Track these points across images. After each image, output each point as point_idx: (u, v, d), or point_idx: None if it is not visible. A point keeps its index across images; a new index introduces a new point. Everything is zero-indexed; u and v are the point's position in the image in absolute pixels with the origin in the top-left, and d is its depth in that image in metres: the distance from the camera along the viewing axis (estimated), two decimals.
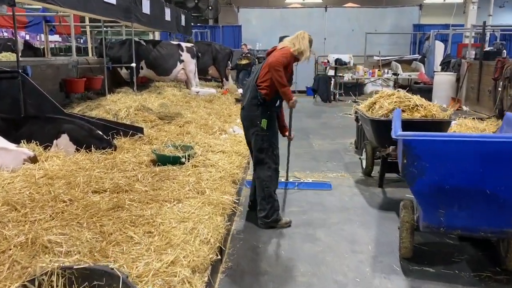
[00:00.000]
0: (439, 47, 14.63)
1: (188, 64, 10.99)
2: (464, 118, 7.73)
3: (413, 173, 3.11)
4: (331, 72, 14.55)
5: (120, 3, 7.62)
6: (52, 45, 17.17)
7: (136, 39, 10.28)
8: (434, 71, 13.33)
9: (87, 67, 9.70)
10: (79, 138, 5.28)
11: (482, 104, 10.50)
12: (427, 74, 14.10)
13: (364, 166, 5.95)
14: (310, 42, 4.25)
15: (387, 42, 17.17)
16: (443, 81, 12.13)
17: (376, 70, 14.48)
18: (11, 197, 3.62)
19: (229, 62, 13.39)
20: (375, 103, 5.44)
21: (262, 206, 4.21)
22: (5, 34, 15.57)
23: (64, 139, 5.25)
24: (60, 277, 2.24)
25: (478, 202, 3.05)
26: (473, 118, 7.99)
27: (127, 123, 6.58)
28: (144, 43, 10.69)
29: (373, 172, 5.86)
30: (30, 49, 13.10)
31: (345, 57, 14.68)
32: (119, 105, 7.63)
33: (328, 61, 14.75)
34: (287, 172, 5.39)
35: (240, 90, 11.61)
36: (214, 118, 8.06)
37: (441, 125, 4.95)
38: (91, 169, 4.55)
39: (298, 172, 5.91)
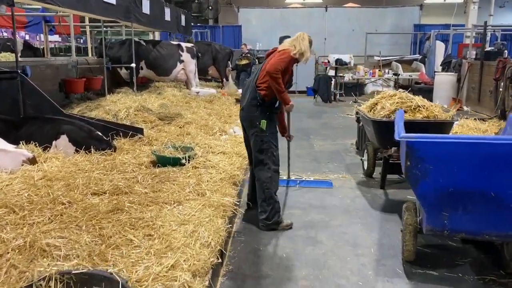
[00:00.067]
0: (440, 47, 14.60)
1: (188, 64, 10.95)
2: (466, 118, 7.70)
3: (417, 176, 3.07)
4: (331, 72, 14.52)
5: (120, 3, 7.58)
6: (52, 45, 17.15)
7: (136, 39, 10.25)
8: (435, 71, 13.29)
9: (87, 67, 9.67)
10: (78, 139, 5.24)
11: (483, 104, 10.46)
12: (427, 74, 14.07)
13: (365, 167, 5.91)
14: (310, 43, 4.27)
15: (387, 42, 17.16)
16: (443, 81, 12.09)
17: (377, 70, 14.45)
18: (10, 199, 3.58)
19: (229, 62, 13.35)
20: (376, 103, 5.40)
21: (263, 208, 4.17)
22: (5, 34, 15.54)
23: (63, 140, 5.21)
24: (58, 282, 2.20)
25: (482, 205, 3.01)
26: (475, 119, 7.96)
27: (127, 123, 6.54)
28: (144, 43, 10.65)
29: (374, 174, 5.83)
30: (29, 49, 13.06)
31: (345, 57, 14.65)
32: (118, 105, 7.59)
33: (329, 61, 14.73)
34: (288, 169, 5.43)
35: (240, 91, 11.56)
36: (215, 119, 8.03)
37: (444, 126, 4.91)
38: (91, 171, 4.51)
39: (299, 173, 5.87)
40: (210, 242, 3.17)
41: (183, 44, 11.17)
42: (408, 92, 5.51)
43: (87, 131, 5.37)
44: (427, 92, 11.27)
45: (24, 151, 4.72)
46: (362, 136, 6.83)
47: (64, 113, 5.73)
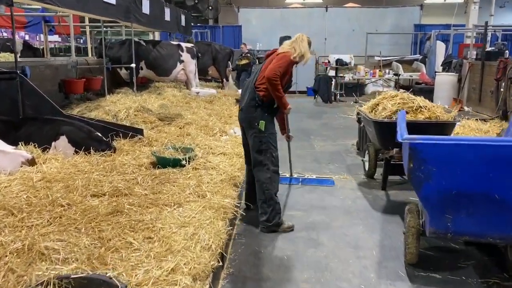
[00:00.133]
0: (440, 47, 14.55)
1: (188, 65, 10.92)
2: (467, 119, 7.67)
3: (420, 178, 3.04)
4: (331, 73, 14.48)
5: (120, 3, 7.55)
6: (52, 46, 17.13)
7: (136, 39, 10.21)
8: (435, 72, 13.25)
9: (87, 67, 9.63)
10: (78, 140, 5.20)
11: (484, 104, 10.42)
12: (428, 75, 14.02)
13: (366, 168, 5.88)
14: (309, 44, 4.26)
15: (388, 42, 17.11)
16: (444, 81, 12.05)
17: (377, 70, 14.41)
18: (8, 201, 3.54)
19: (229, 62, 13.31)
20: (378, 104, 5.36)
21: (263, 210, 4.14)
22: (4, 34, 15.51)
23: (62, 141, 5.18)
24: (57, 287, 2.16)
25: (486, 208, 2.98)
26: (476, 119, 7.93)
27: (127, 124, 6.50)
28: (144, 43, 10.62)
29: (376, 174, 5.79)
30: (29, 49, 13.01)
31: (345, 58, 14.61)
32: (118, 106, 7.55)
33: (329, 62, 14.68)
34: (290, 168, 5.53)
35: (240, 91, 11.53)
36: (215, 119, 7.99)
37: (446, 127, 4.88)
38: (90, 172, 4.47)
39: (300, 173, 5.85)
40: (211, 245, 3.13)
41: (183, 44, 11.13)
42: (410, 92, 5.48)
43: (86, 132, 5.33)
44: (427, 92, 11.23)
45: (23, 152, 4.69)
46: (363, 136, 6.79)
47: (64, 114, 5.70)
